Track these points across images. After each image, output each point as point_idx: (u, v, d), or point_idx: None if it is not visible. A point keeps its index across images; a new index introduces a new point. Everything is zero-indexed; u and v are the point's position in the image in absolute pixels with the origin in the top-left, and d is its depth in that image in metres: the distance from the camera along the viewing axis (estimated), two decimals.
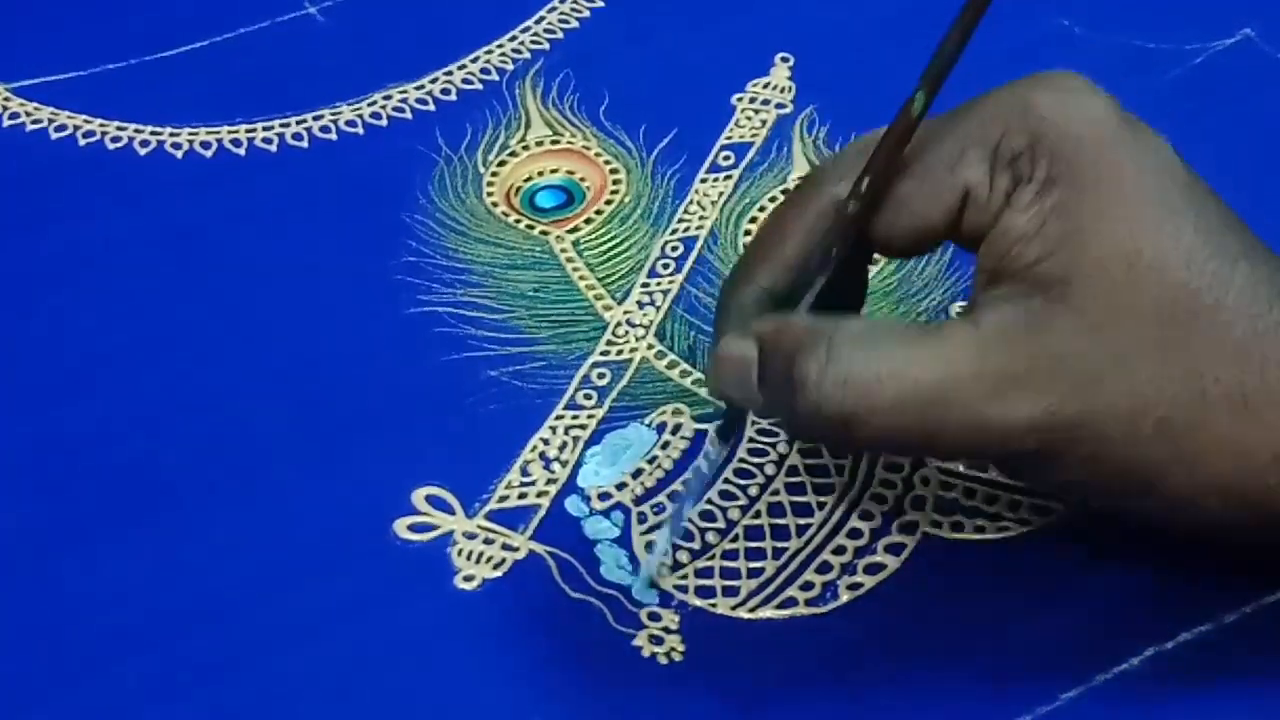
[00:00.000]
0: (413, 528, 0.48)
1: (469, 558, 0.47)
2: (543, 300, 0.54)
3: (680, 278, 0.54)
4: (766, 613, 0.46)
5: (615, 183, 0.57)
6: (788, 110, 0.60)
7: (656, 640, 0.45)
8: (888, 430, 0.41)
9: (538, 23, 0.63)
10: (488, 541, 0.47)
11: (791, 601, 0.46)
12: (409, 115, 0.60)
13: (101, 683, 0.44)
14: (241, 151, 0.59)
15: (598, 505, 0.48)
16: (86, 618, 0.46)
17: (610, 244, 0.55)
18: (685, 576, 0.46)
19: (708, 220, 0.56)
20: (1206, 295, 0.40)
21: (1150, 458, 0.40)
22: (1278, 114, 0.59)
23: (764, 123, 0.59)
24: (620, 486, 0.49)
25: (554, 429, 0.50)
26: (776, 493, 0.48)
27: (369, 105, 0.60)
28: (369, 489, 0.48)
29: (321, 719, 0.44)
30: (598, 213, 0.57)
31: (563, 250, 0.55)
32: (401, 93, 0.61)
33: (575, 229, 0.56)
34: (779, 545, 0.47)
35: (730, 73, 0.61)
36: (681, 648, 0.45)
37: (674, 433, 0.50)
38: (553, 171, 0.58)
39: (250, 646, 0.45)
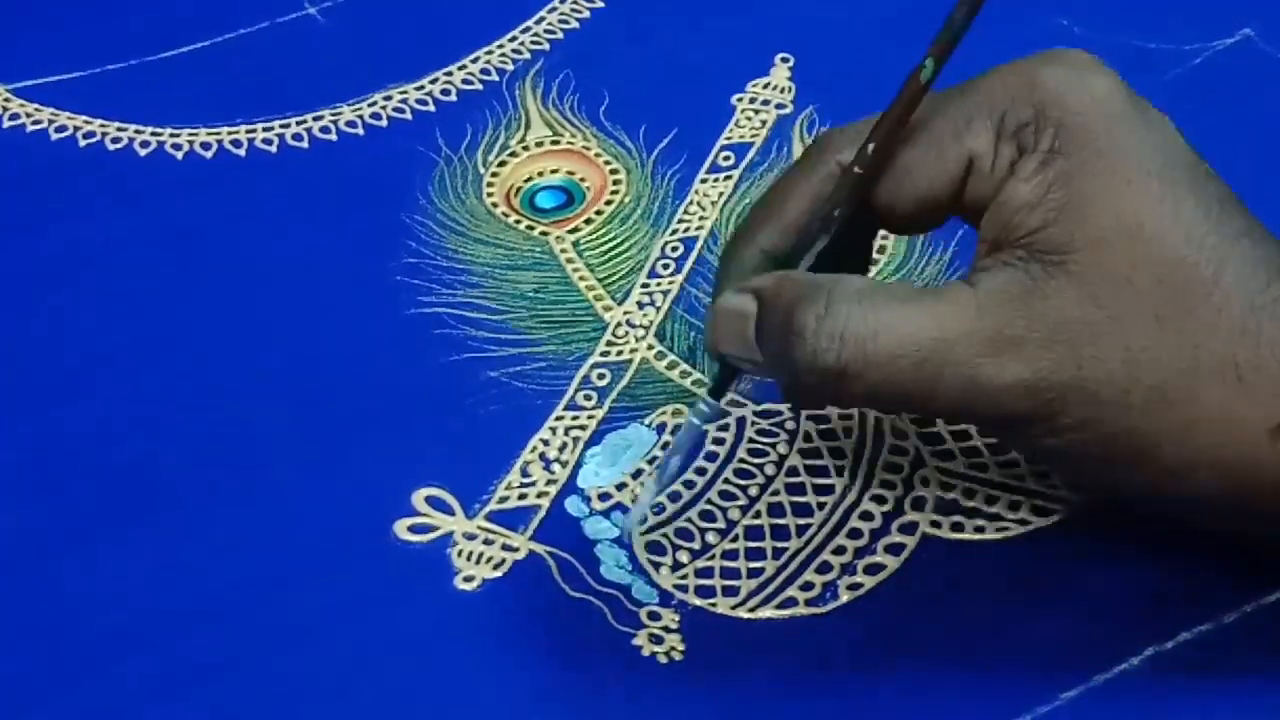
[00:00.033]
0: (413, 528, 0.48)
1: (469, 558, 0.47)
2: (543, 301, 0.54)
3: (680, 278, 0.54)
4: (766, 613, 0.46)
5: (615, 183, 0.57)
6: (788, 110, 0.60)
7: (656, 640, 0.45)
8: (882, 385, 0.41)
9: (538, 23, 0.63)
10: (488, 542, 0.47)
11: (791, 601, 0.46)
12: (409, 116, 0.60)
13: (101, 683, 0.44)
14: (241, 152, 0.59)
15: (598, 505, 0.48)
16: (86, 618, 0.46)
17: (610, 244, 0.56)
18: (685, 576, 0.46)
19: (708, 220, 0.56)
20: (1205, 269, 0.40)
21: (1142, 427, 0.41)
22: (1278, 114, 0.59)
23: (764, 123, 0.59)
24: (620, 487, 0.49)
25: (554, 429, 0.50)
26: (776, 493, 0.48)
27: (369, 106, 0.60)
28: (369, 489, 0.48)
29: (321, 719, 0.44)
30: (598, 213, 0.57)
31: (563, 251, 0.55)
32: (401, 93, 0.61)
33: (575, 229, 0.56)
34: (779, 545, 0.47)
35: (730, 73, 0.61)
36: (681, 647, 0.45)
37: (674, 433, 0.50)
38: (553, 172, 0.58)
39: (250, 646, 0.45)
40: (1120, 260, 0.40)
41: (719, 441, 0.49)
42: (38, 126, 0.60)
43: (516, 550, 0.47)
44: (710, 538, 0.47)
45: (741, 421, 0.50)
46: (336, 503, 0.48)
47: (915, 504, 0.48)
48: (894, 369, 0.41)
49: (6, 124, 0.60)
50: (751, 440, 0.49)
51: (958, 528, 0.47)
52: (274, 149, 0.59)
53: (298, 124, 0.60)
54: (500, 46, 0.62)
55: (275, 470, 0.49)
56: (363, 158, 0.59)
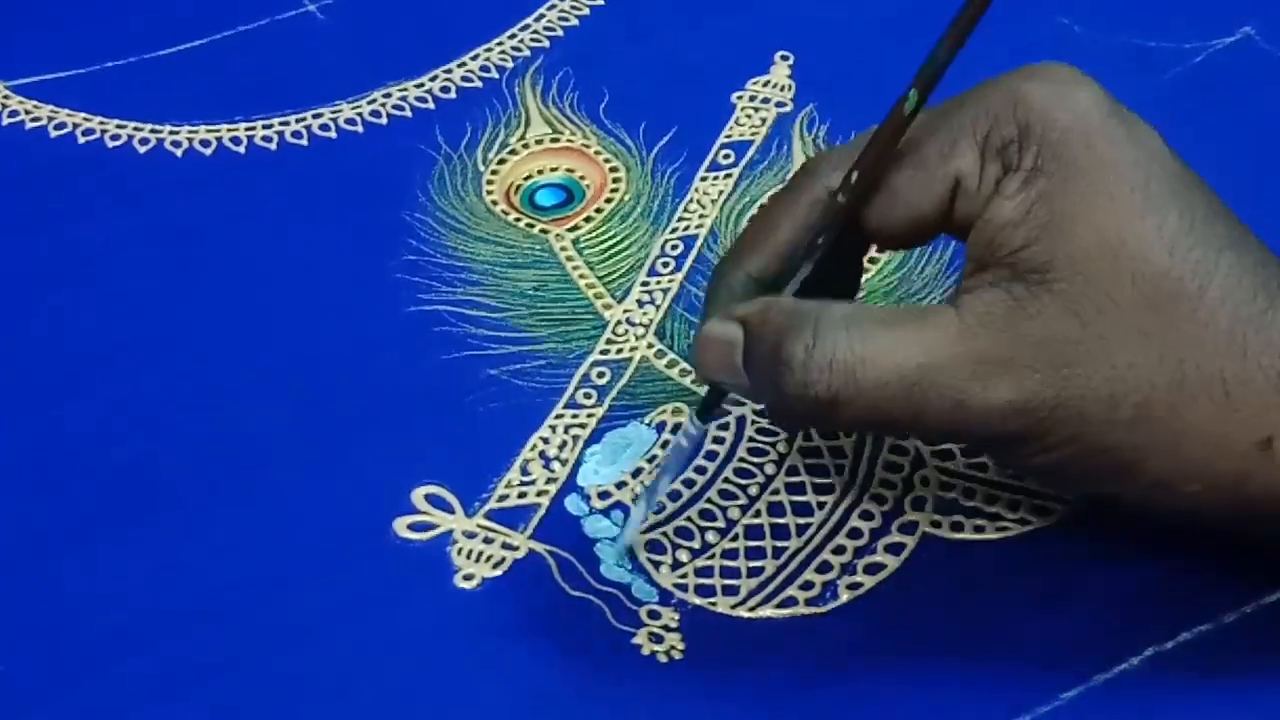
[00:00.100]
0: (412, 527, 0.48)
1: (469, 557, 0.47)
2: (542, 299, 0.54)
3: (680, 276, 0.54)
4: (766, 612, 0.46)
5: (615, 181, 0.57)
6: (787, 108, 0.60)
7: (656, 638, 0.45)
8: (871, 411, 0.41)
9: (537, 20, 0.63)
10: (487, 540, 0.47)
11: (791, 601, 0.46)
12: (409, 113, 0.60)
13: (101, 683, 0.44)
14: (241, 150, 0.59)
15: (597, 504, 0.48)
16: (86, 618, 0.46)
17: (610, 242, 0.55)
18: (685, 575, 0.46)
19: (708, 219, 0.56)
20: (1189, 283, 0.40)
21: (1129, 442, 0.41)
22: (1278, 113, 0.59)
23: (764, 121, 0.59)
24: (620, 485, 0.49)
25: (554, 428, 0.50)
26: (776, 492, 0.48)
27: (369, 103, 0.60)
28: (369, 488, 0.48)
29: (321, 719, 0.44)
30: (598, 211, 0.56)
31: (562, 249, 0.55)
32: (401, 91, 0.61)
33: (575, 227, 0.56)
34: (779, 545, 0.47)
35: (730, 71, 0.61)
36: (681, 646, 0.45)
37: (674, 432, 0.50)
38: (552, 170, 0.58)
39: (250, 646, 0.45)
40: (1103, 277, 0.40)
41: (719, 441, 0.49)
42: (37, 124, 0.60)
43: (516, 549, 0.47)
44: (710, 537, 0.47)
45: (741, 421, 0.50)
46: (336, 501, 0.48)
47: (915, 503, 0.48)
48: (882, 396, 0.41)
49: (5, 121, 0.60)
50: (751, 440, 0.49)
51: (958, 527, 0.47)
52: (274, 146, 0.59)
53: (297, 121, 0.60)
54: (500, 44, 0.62)
55: (275, 469, 0.49)
56: (362, 155, 0.58)
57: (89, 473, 0.49)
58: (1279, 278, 0.41)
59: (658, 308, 0.53)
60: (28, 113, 0.60)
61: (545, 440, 0.50)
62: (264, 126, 0.59)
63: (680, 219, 0.56)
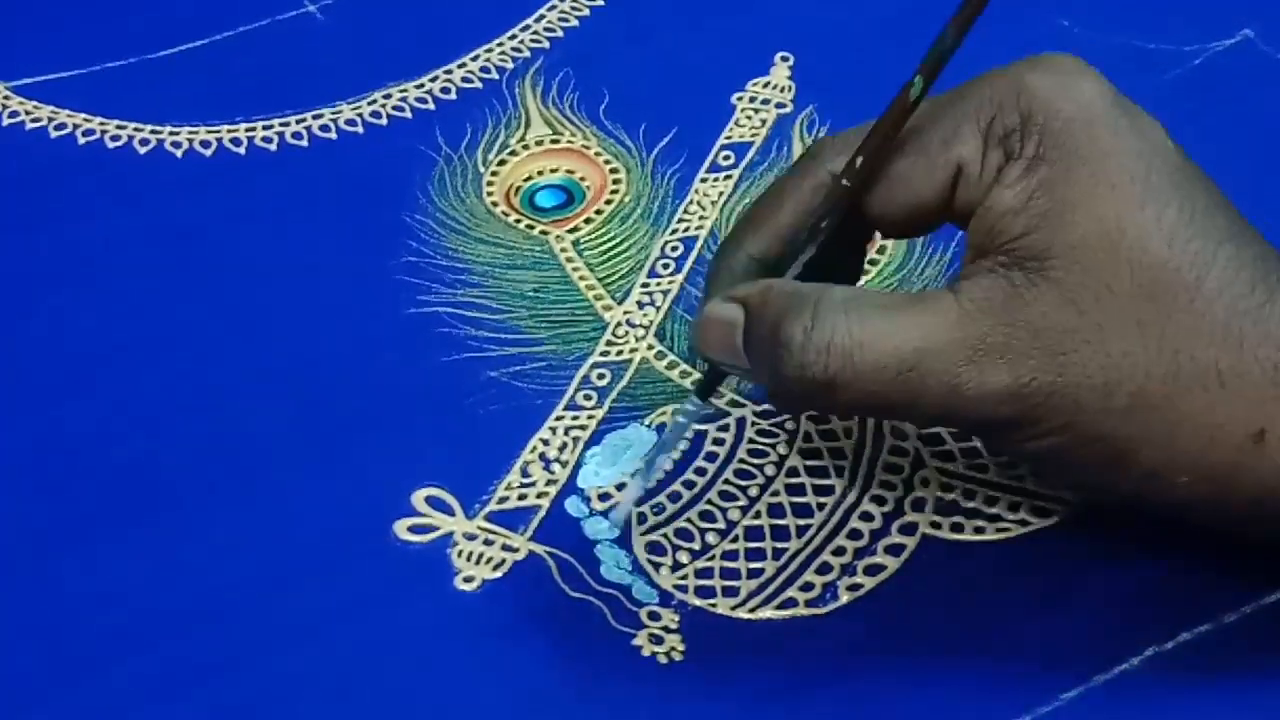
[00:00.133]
0: (413, 529, 0.48)
1: (469, 559, 0.47)
2: (543, 300, 0.54)
3: (680, 278, 0.54)
4: (766, 613, 0.46)
5: (615, 182, 0.57)
6: (788, 110, 0.60)
7: (656, 640, 0.45)
8: (868, 394, 0.42)
9: (538, 21, 0.63)
10: (488, 542, 0.47)
11: (791, 602, 0.46)
12: (409, 114, 0.60)
13: (101, 683, 0.44)
14: (241, 150, 0.59)
15: (598, 506, 0.48)
16: (86, 618, 0.46)
17: (610, 244, 0.55)
18: (685, 577, 0.46)
19: (708, 220, 0.56)
20: (1187, 274, 0.40)
21: (1123, 431, 0.41)
22: (1278, 114, 0.59)
23: (764, 122, 0.59)
24: (620, 487, 0.48)
25: (554, 429, 0.50)
26: (776, 493, 0.48)
27: (369, 104, 0.60)
28: (369, 489, 0.48)
29: (321, 719, 0.44)
30: (598, 212, 0.57)
31: (563, 250, 0.55)
32: (401, 91, 0.61)
33: (575, 229, 0.56)
34: (779, 545, 0.47)
35: (730, 72, 0.61)
36: (681, 647, 0.45)
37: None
38: (553, 171, 0.58)
39: (250, 646, 0.45)
40: (1101, 266, 0.40)
41: (719, 442, 0.49)
42: (37, 124, 0.60)
43: (516, 550, 0.47)
44: (710, 538, 0.47)
45: (741, 422, 0.50)
46: (336, 503, 0.48)
47: (915, 505, 0.48)
48: (879, 379, 0.41)
49: (6, 122, 0.60)
50: (751, 440, 0.49)
51: (958, 528, 0.47)
52: (274, 147, 0.59)
53: (297, 122, 0.60)
54: (500, 45, 0.62)
55: (275, 470, 0.49)
56: (362, 156, 0.58)
57: (89, 473, 0.49)
58: (1278, 272, 0.41)
59: (658, 309, 0.53)
60: (28, 113, 0.60)
61: (545, 442, 0.50)
62: (264, 127, 0.59)
63: (680, 220, 0.56)
